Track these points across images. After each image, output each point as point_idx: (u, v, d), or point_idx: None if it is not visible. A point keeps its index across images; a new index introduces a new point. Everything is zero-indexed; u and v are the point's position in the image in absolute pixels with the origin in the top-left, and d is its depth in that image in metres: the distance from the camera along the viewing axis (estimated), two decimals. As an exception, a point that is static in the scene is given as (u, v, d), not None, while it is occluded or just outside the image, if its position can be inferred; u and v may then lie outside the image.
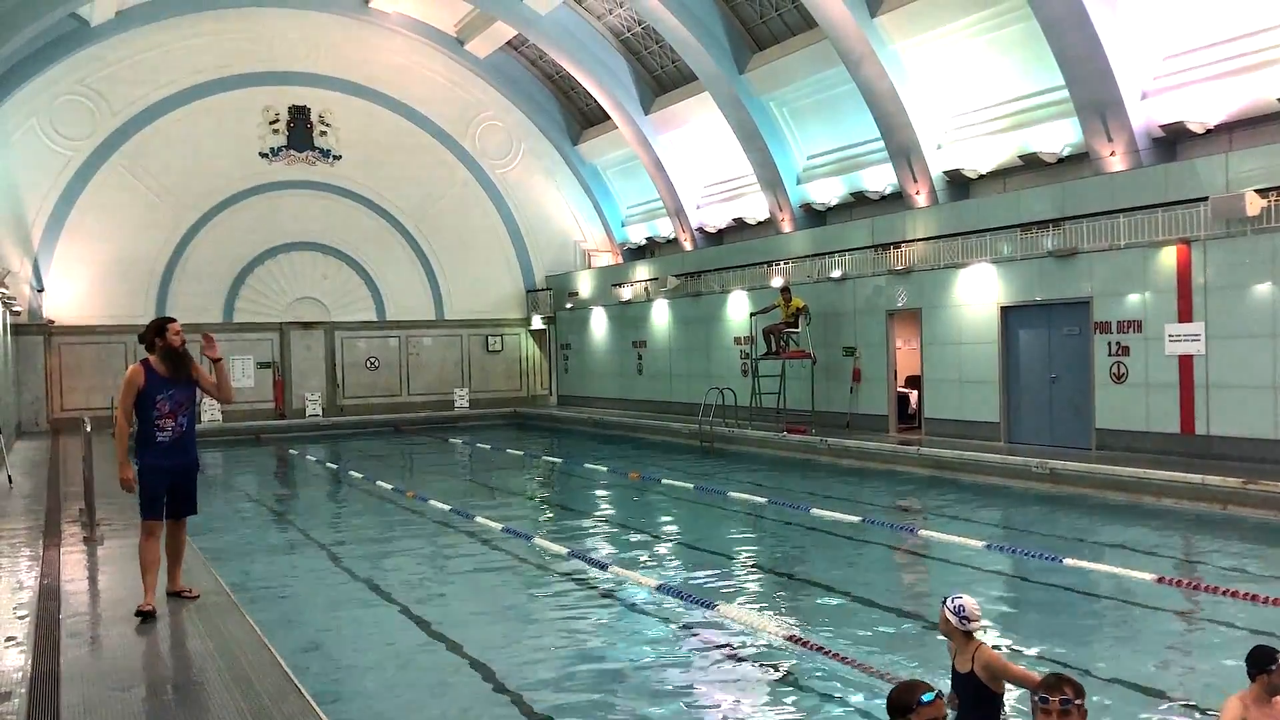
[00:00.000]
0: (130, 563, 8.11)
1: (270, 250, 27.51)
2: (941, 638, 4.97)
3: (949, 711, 5.22)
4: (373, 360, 28.78)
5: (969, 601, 4.72)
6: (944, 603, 4.86)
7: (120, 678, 5.76)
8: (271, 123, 27.52)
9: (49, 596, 7.78)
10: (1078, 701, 3.72)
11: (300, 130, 27.80)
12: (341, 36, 27.95)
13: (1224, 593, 8.30)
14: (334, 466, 19.98)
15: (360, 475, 17.82)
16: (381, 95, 28.59)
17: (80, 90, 25.35)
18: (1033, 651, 6.96)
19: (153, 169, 26.22)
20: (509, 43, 28.93)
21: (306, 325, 27.92)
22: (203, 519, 9.49)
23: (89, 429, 11.36)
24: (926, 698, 3.61)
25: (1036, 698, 3.75)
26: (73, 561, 9.16)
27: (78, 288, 25.47)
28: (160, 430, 7.21)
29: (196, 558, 8.85)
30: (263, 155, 27.45)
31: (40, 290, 24.95)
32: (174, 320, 7.49)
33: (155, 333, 7.34)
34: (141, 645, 6.45)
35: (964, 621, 4.66)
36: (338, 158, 28.18)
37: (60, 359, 25.29)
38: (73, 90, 25.24)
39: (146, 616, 7.00)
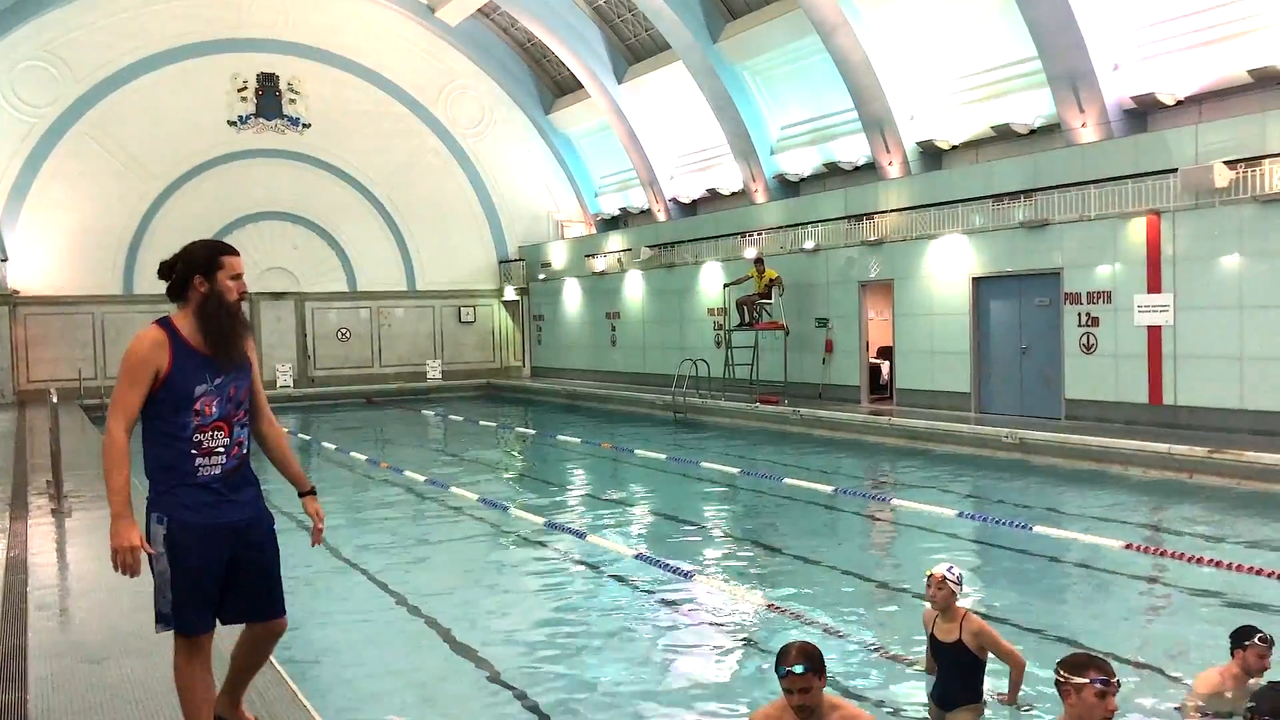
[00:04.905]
0: (99, 533, 7.92)
1: (239, 220, 27.17)
2: (936, 608, 5.05)
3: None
4: (344, 331, 28.59)
5: (959, 570, 4.96)
6: (940, 573, 4.98)
7: (89, 650, 5.70)
8: (239, 90, 27.12)
9: (16, 569, 7.69)
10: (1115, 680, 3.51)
11: (269, 98, 27.41)
12: (310, 2, 27.51)
13: (1189, 559, 8.43)
14: (306, 438, 19.86)
15: (333, 446, 17.73)
16: (351, 63, 28.21)
17: (43, 56, 24.86)
18: (1003, 617, 7.03)
19: (119, 137, 25.79)
20: (480, 10, 28.57)
21: (277, 296, 27.67)
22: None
23: (55, 400, 11.24)
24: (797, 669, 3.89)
25: (1091, 681, 3.46)
26: (40, 534, 9.06)
27: (43, 258, 25.10)
28: (204, 455, 3.78)
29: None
30: (231, 123, 27.07)
31: (4, 260, 24.54)
32: (234, 251, 3.88)
33: (201, 267, 3.77)
34: (110, 618, 6.38)
35: (962, 589, 4.90)
36: (307, 126, 27.82)
37: (26, 330, 24.96)
38: (35, 56, 24.76)
39: None
